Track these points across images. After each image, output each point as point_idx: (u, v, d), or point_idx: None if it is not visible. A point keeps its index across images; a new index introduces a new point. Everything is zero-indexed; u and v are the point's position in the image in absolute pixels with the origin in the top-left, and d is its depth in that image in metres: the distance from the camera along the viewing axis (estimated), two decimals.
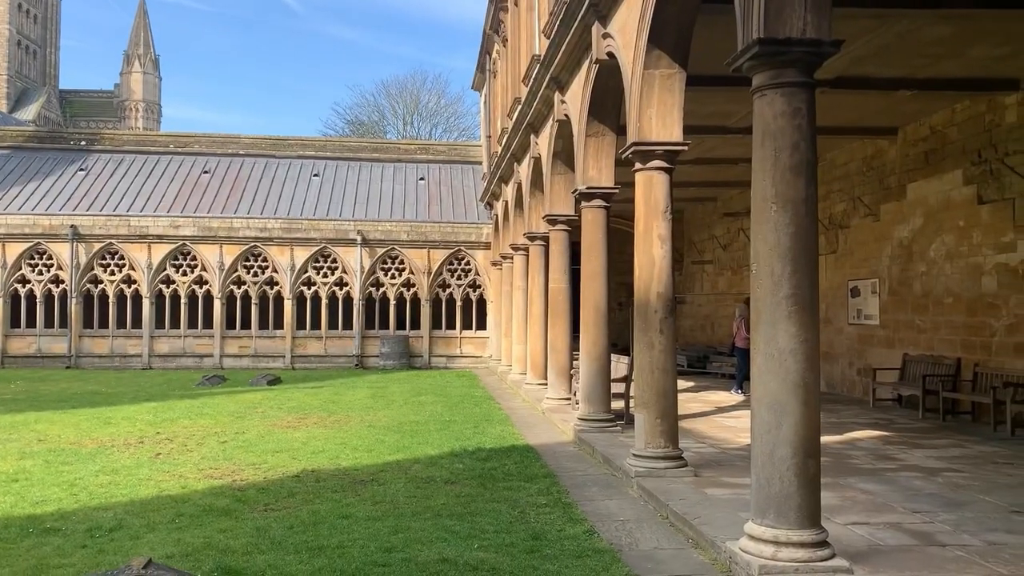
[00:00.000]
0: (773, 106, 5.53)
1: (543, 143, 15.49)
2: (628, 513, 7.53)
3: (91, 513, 7.51)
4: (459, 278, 28.08)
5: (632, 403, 10.98)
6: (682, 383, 19.56)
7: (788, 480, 5.37)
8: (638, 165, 8.82)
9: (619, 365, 13.85)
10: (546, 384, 15.83)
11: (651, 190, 8.73)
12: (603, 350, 11.72)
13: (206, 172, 30.11)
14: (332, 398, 17.44)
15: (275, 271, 27.15)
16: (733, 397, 16.69)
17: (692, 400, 16.06)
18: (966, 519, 6.99)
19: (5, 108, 73.94)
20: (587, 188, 11.55)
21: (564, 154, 14.16)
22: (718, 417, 13.90)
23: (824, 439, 11.09)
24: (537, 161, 16.33)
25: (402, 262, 27.78)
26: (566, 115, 13.02)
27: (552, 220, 14.71)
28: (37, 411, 14.94)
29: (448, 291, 28.03)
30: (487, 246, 27.68)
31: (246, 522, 7.18)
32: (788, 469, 5.37)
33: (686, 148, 8.79)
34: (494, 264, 26.28)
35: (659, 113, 8.64)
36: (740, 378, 17.16)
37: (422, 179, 31.06)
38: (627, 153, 8.92)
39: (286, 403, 16.42)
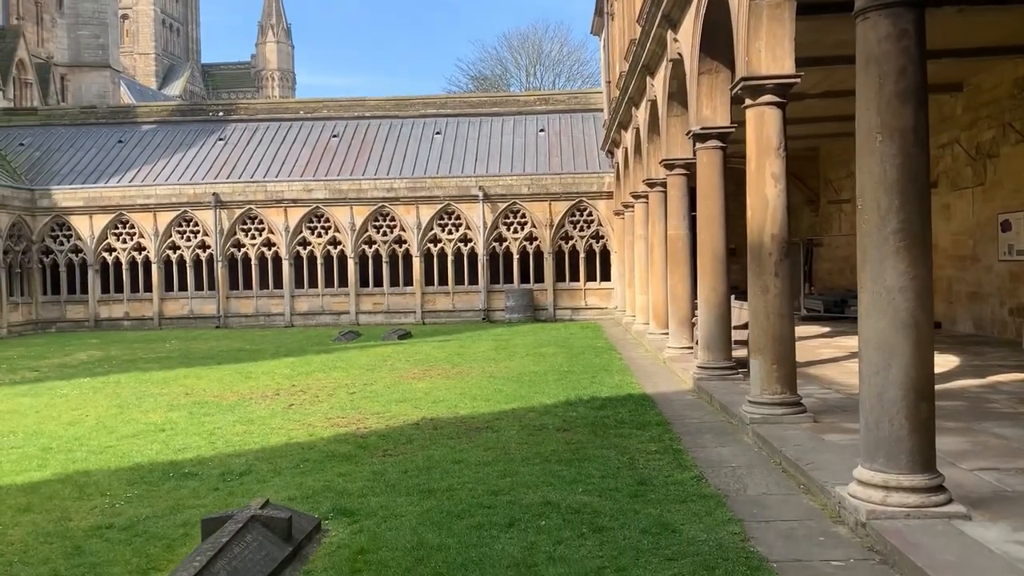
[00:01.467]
0: (877, 29, 5.14)
1: (659, 85, 15.07)
2: (740, 460, 7.39)
3: (225, 459, 8.06)
4: (581, 229, 27.96)
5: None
6: (817, 328, 19.01)
7: (898, 423, 5.10)
8: (748, 101, 8.44)
9: (742, 312, 13.45)
10: (668, 333, 15.62)
11: (763, 127, 8.35)
12: (722, 297, 11.42)
13: (335, 136, 31.11)
14: (457, 351, 17.87)
15: (403, 230, 27.89)
16: None
17: (825, 345, 15.47)
18: None
19: (155, 85, 78.60)
20: (701, 128, 11.18)
21: (679, 95, 13.70)
22: (850, 362, 13.30)
23: (963, 382, 10.57)
24: (653, 104, 15.91)
25: (524, 216, 27.89)
26: (679, 54, 12.58)
27: (669, 165, 14.34)
28: (187, 367, 16.09)
29: (571, 243, 27.99)
30: (609, 195, 27.34)
31: (364, 467, 7.52)
32: (898, 412, 5.10)
33: (798, 80, 8.33)
34: (616, 214, 25.93)
35: (768, 45, 8.22)
36: None
37: (542, 131, 30.94)
38: (736, 89, 8.57)
39: (414, 356, 16.96)
